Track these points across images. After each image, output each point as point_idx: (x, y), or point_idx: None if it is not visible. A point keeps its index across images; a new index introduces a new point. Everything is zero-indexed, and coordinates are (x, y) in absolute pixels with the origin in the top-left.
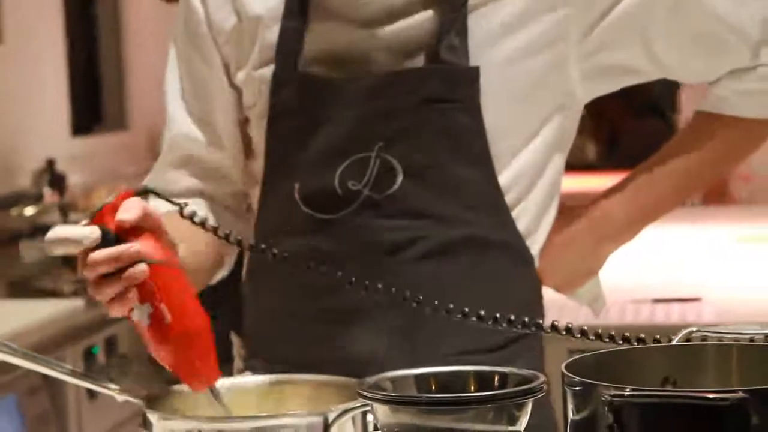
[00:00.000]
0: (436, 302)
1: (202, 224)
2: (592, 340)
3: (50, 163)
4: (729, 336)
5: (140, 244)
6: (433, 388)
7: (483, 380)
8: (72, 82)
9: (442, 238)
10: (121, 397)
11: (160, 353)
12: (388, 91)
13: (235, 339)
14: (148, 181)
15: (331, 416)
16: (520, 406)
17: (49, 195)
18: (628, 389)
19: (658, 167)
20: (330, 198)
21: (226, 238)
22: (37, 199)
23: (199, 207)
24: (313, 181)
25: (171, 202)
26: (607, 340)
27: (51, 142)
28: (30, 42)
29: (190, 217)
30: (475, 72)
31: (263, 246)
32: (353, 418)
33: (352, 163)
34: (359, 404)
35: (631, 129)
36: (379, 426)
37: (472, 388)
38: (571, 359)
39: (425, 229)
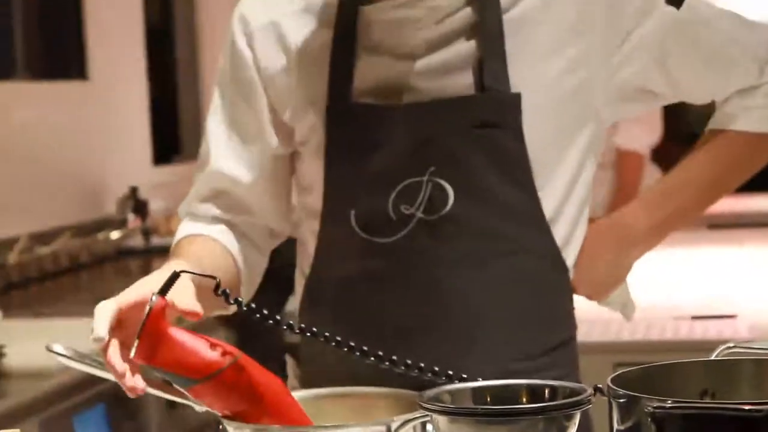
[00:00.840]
0: (455, 373)
1: (237, 302)
2: None
3: (133, 191)
4: (763, 352)
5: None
6: (488, 400)
7: (534, 393)
8: (153, 115)
9: (491, 254)
10: (200, 408)
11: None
12: (438, 117)
13: (288, 359)
14: (181, 209)
15: (394, 426)
16: (569, 417)
17: (132, 220)
18: (669, 401)
19: (675, 179)
20: (385, 222)
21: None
22: (121, 223)
23: (222, 233)
24: (368, 208)
25: (203, 276)
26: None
27: (134, 171)
28: (114, 79)
29: (225, 296)
30: (518, 98)
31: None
32: (414, 428)
33: (404, 188)
34: (420, 415)
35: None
36: None
37: (524, 400)
38: (616, 373)
39: (475, 246)
